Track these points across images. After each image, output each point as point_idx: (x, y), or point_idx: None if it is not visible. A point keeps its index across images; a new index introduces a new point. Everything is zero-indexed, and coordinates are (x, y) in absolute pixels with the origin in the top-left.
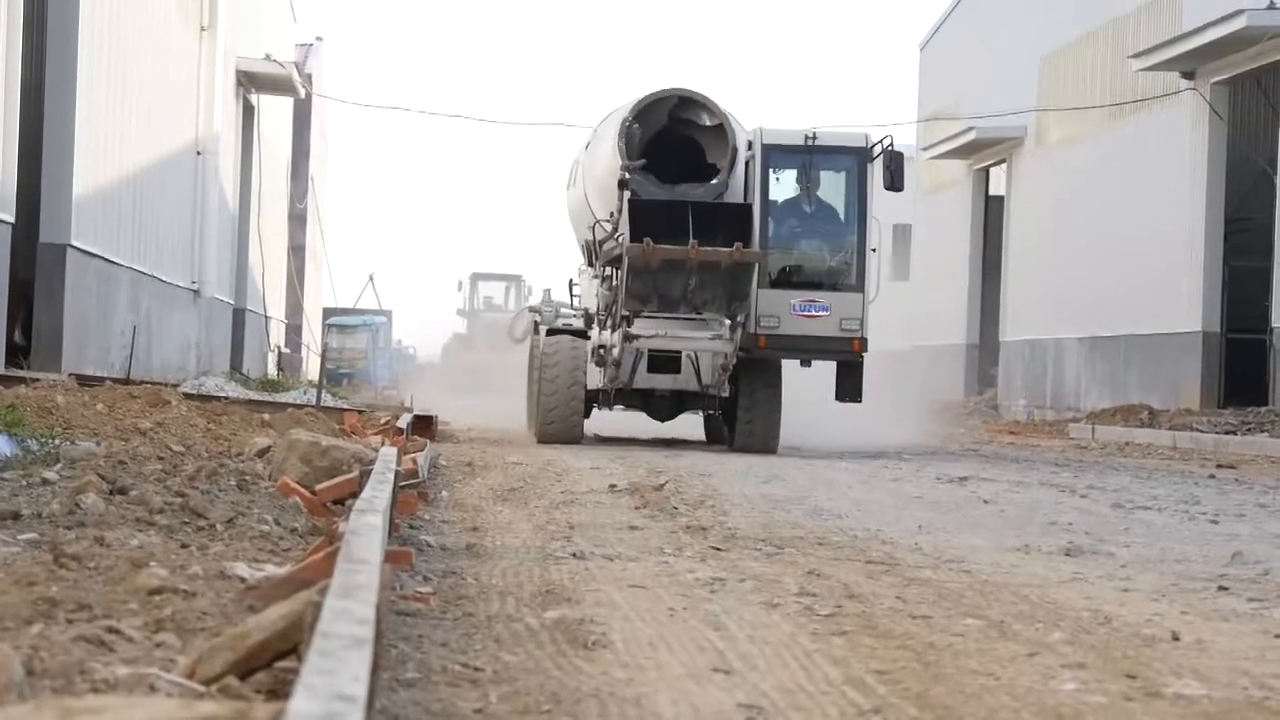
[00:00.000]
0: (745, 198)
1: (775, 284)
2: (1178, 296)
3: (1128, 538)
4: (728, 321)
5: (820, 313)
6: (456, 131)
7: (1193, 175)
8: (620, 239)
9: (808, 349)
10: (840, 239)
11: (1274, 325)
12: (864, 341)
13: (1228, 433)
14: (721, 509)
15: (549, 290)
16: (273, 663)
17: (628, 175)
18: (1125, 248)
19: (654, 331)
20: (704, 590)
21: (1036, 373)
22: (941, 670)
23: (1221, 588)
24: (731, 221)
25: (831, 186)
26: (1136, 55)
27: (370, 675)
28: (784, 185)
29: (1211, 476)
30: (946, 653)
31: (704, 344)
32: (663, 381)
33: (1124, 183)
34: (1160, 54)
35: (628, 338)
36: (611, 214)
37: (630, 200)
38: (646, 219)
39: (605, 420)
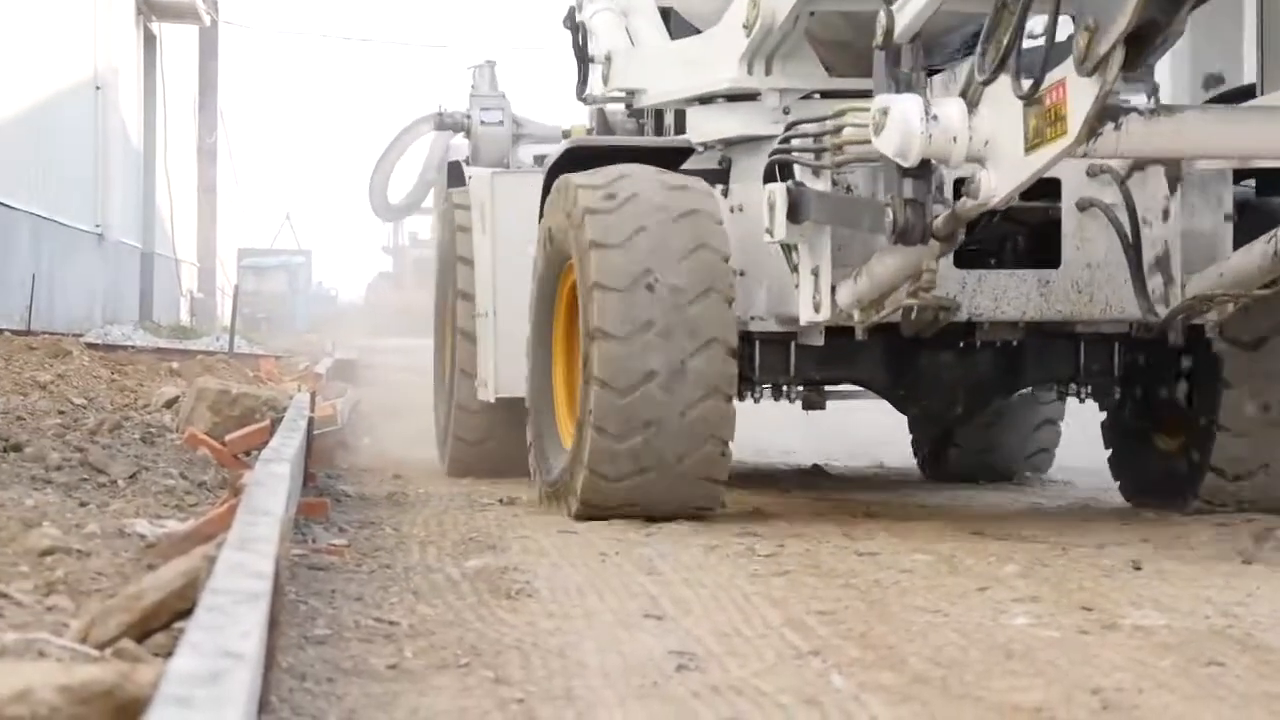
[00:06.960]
0: None
1: None
2: None
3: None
4: None
5: None
6: (379, 59)
7: None
8: None
9: None
10: None
11: None
12: None
13: None
14: None
15: (493, 64)
16: (171, 623)
17: None
18: None
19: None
20: (638, 534)
21: None
22: (886, 609)
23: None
24: None
25: None
26: None
27: (269, 631)
28: None
29: None
30: (893, 590)
31: None
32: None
33: None
34: None
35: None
36: None
37: None
38: None
39: None
